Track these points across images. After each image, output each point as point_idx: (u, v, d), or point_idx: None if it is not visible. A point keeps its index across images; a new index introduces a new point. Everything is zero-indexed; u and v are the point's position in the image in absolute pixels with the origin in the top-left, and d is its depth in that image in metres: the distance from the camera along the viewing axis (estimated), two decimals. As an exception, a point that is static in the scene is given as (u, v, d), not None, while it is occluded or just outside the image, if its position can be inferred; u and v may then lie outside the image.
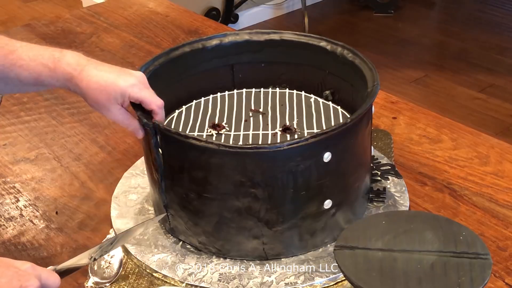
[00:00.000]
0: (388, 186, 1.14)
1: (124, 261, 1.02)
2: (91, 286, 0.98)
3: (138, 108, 0.99)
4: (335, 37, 1.17)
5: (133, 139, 1.31)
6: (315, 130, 1.09)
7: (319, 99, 1.18)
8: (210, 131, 1.10)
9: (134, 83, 0.98)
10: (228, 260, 1.01)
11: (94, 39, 1.78)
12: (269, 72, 1.23)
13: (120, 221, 1.09)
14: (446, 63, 3.27)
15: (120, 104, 0.98)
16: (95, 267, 0.99)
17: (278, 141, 1.06)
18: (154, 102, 0.99)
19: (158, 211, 1.07)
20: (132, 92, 0.97)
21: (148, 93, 0.99)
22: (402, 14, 3.80)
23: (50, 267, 0.85)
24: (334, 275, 0.97)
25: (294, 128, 1.10)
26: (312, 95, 1.19)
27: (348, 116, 1.11)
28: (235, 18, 3.64)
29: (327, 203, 0.99)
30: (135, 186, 1.17)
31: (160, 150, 0.98)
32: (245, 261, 1.01)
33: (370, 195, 1.11)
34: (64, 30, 1.84)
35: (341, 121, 1.10)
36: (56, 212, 1.16)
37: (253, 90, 1.22)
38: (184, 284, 0.98)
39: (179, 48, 1.17)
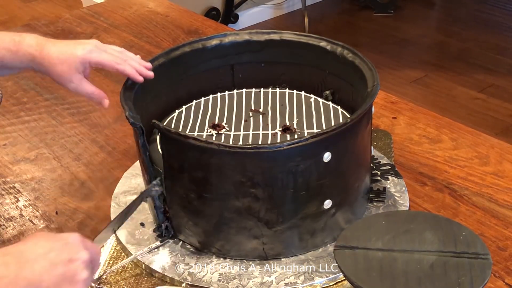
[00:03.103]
0: (388, 186, 1.14)
1: (108, 261, 1.02)
2: None
3: (126, 106, 0.99)
4: (335, 37, 1.17)
5: (133, 139, 1.31)
6: (315, 130, 1.09)
7: (319, 99, 1.18)
8: (210, 131, 1.10)
9: (91, 49, 1.02)
10: (228, 260, 1.01)
11: (94, 39, 1.77)
12: (269, 72, 1.23)
13: (120, 221, 1.09)
14: (446, 63, 3.27)
15: (82, 73, 1.02)
16: None
17: (278, 141, 1.06)
18: (114, 61, 1.02)
19: (152, 212, 1.07)
20: (91, 57, 1.02)
21: (107, 56, 1.03)
22: (402, 14, 3.80)
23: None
24: (334, 275, 0.97)
25: (294, 128, 1.10)
26: (312, 95, 1.19)
27: (348, 116, 1.11)
28: (235, 18, 3.64)
29: (327, 203, 0.99)
30: (135, 186, 1.17)
31: (148, 150, 0.99)
32: (245, 261, 1.01)
33: (370, 195, 1.11)
34: (64, 30, 1.84)
35: (341, 121, 1.10)
36: (56, 212, 1.16)
37: (253, 90, 1.22)
38: (184, 284, 0.98)
39: (179, 48, 1.17)
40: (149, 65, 1.08)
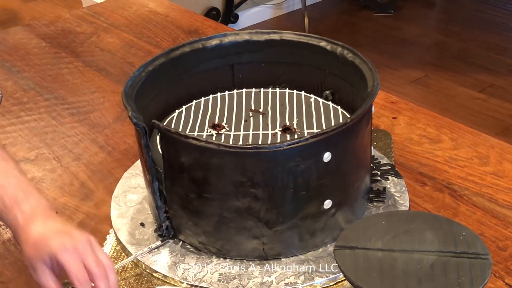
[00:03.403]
0: (388, 186, 1.14)
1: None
2: None
3: (128, 107, 0.99)
4: (335, 37, 1.17)
5: (133, 139, 1.31)
6: (315, 130, 1.09)
7: (319, 99, 1.18)
8: (210, 131, 1.10)
9: (67, 248, 0.83)
10: (228, 260, 1.01)
11: (94, 39, 1.78)
12: (269, 72, 1.23)
13: (120, 221, 1.09)
14: (446, 63, 3.27)
15: (49, 267, 0.84)
16: None
17: (278, 141, 1.06)
18: (77, 276, 0.82)
19: (153, 212, 1.07)
20: (59, 258, 0.82)
21: (77, 266, 0.82)
22: (402, 14, 3.80)
23: None
24: (334, 275, 0.97)
25: (294, 128, 1.10)
26: (312, 95, 1.19)
27: (348, 116, 1.11)
28: (235, 18, 3.64)
29: (327, 203, 0.99)
30: (135, 186, 1.17)
31: (150, 151, 0.98)
32: (245, 261, 1.01)
33: (370, 195, 1.11)
34: (64, 30, 1.84)
35: (341, 121, 1.10)
36: (56, 212, 1.16)
37: (253, 90, 1.22)
38: (184, 284, 0.98)
39: (179, 48, 1.17)
40: None
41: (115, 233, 1.08)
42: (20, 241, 0.87)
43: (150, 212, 1.11)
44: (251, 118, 1.14)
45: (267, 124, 1.11)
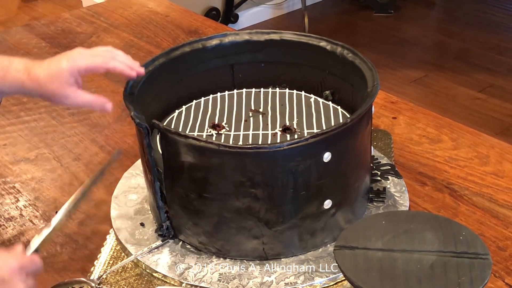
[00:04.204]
0: (388, 186, 1.14)
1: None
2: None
3: (131, 107, 0.99)
4: (335, 37, 1.17)
5: (133, 139, 1.31)
6: (315, 130, 1.09)
7: (319, 99, 1.18)
8: (210, 131, 1.10)
9: (76, 57, 0.97)
10: (228, 260, 1.01)
11: (94, 39, 1.78)
12: (269, 72, 1.23)
13: (120, 221, 1.09)
14: (446, 63, 3.27)
15: (75, 85, 0.96)
16: None
17: (278, 141, 1.06)
18: (103, 61, 0.98)
19: (153, 212, 1.07)
20: (79, 65, 0.96)
21: (94, 59, 0.98)
22: (402, 14, 3.79)
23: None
24: (334, 275, 0.97)
25: (294, 128, 1.10)
26: (312, 95, 1.19)
27: (348, 116, 1.11)
28: (235, 18, 3.64)
29: (327, 203, 0.99)
30: (135, 186, 1.17)
31: (152, 151, 0.98)
32: (245, 261, 1.01)
33: (370, 195, 1.11)
34: (64, 30, 1.84)
35: (341, 121, 1.10)
36: (56, 212, 1.16)
37: (253, 90, 1.22)
38: (184, 284, 0.98)
39: (179, 48, 1.17)
40: (137, 63, 1.04)
41: (115, 233, 1.08)
42: (35, 90, 0.96)
43: (150, 212, 1.11)
44: (251, 118, 1.14)
45: (267, 124, 1.11)
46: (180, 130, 1.10)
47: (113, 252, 1.05)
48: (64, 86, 0.95)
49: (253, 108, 1.17)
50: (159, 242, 1.04)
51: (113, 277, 1.00)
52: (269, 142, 1.06)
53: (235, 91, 1.22)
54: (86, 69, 0.97)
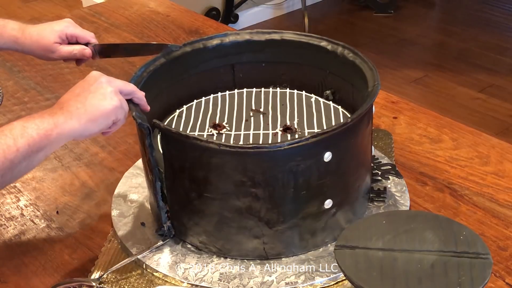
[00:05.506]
0: (389, 185, 1.14)
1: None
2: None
3: (132, 107, 0.99)
4: (335, 37, 1.17)
5: (133, 139, 1.31)
6: (316, 130, 1.09)
7: (319, 99, 1.18)
8: (211, 131, 1.10)
9: (67, 25, 1.18)
10: (228, 259, 1.01)
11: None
12: (269, 72, 1.23)
13: (120, 221, 1.09)
14: (446, 63, 3.27)
15: (60, 43, 1.17)
16: None
17: (279, 141, 1.06)
18: (89, 34, 1.19)
19: (154, 211, 1.07)
20: (68, 30, 1.17)
21: (81, 30, 1.19)
22: (402, 14, 3.80)
23: None
24: (334, 275, 0.98)
25: (295, 128, 1.10)
26: (312, 95, 1.19)
27: (349, 116, 1.11)
28: (235, 18, 3.64)
29: (328, 203, 0.99)
30: (135, 186, 1.17)
31: (154, 151, 0.98)
32: (245, 260, 1.01)
33: (371, 195, 1.11)
34: (65, 30, 1.84)
35: (341, 121, 1.10)
36: (57, 212, 1.16)
37: (254, 90, 1.22)
38: (184, 284, 0.98)
39: (180, 48, 1.17)
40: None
41: (116, 233, 1.08)
42: (27, 46, 1.17)
43: (151, 211, 1.11)
44: (252, 118, 1.14)
45: (268, 124, 1.12)
46: (181, 130, 1.10)
47: (114, 252, 1.05)
48: (52, 43, 1.16)
49: (253, 108, 1.17)
50: (160, 242, 1.04)
51: (113, 277, 1.00)
52: (269, 142, 1.06)
53: (236, 91, 1.22)
54: (71, 35, 1.17)
